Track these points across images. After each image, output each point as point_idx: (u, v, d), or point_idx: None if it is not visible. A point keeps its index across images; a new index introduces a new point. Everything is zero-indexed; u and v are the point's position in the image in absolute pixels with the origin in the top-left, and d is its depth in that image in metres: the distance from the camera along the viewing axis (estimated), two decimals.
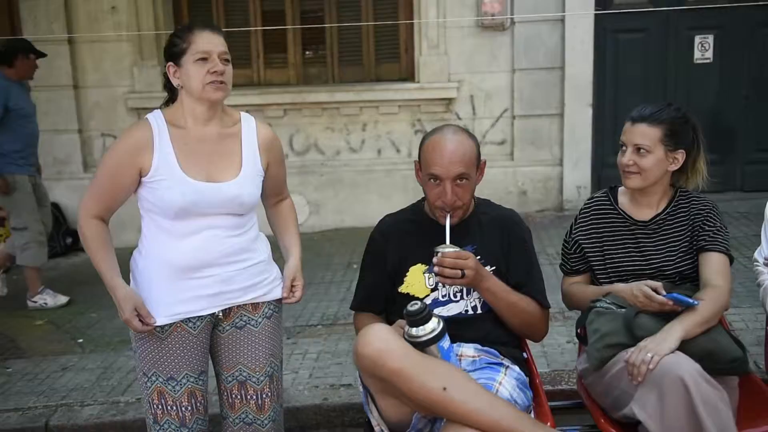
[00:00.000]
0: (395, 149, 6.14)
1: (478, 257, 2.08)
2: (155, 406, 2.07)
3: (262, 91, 6.16)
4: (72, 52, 6.02)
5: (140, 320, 1.97)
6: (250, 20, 6.23)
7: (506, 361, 2.07)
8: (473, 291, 2.11)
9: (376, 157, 6.16)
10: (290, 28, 6.18)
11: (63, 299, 4.65)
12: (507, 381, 1.96)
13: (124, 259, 2.09)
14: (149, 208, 2.03)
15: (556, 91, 5.96)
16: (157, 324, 2.00)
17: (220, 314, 2.09)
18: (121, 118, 6.05)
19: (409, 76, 6.18)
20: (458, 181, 2.06)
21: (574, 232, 2.30)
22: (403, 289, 2.16)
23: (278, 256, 2.24)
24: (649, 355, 1.86)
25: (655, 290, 2.00)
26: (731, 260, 2.15)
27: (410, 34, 6.13)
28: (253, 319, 2.13)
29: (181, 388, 2.06)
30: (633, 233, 2.22)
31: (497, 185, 5.95)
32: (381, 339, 1.79)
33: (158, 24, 6.00)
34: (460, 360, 2.04)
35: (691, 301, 1.97)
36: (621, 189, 2.29)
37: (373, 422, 1.94)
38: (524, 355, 2.21)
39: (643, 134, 2.13)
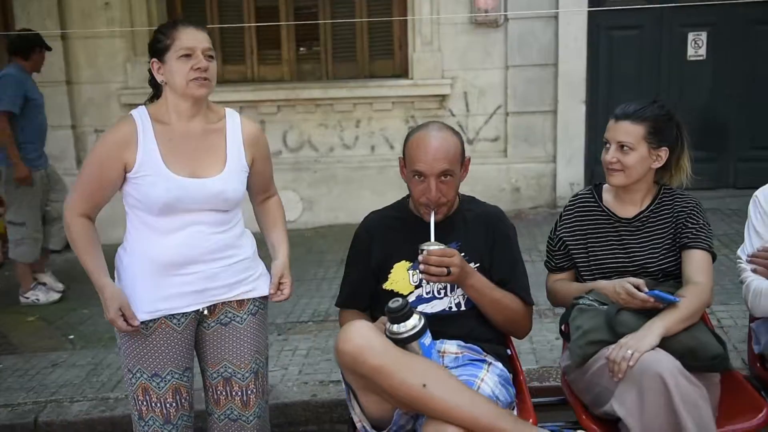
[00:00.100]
0: (389, 146, 6.13)
1: (463, 254, 2.09)
2: (140, 402, 2.08)
3: (255, 88, 6.15)
4: (65, 48, 6.00)
5: (125, 320, 1.97)
6: (244, 16, 6.23)
7: (489, 358, 2.08)
8: (457, 288, 2.12)
9: (370, 153, 6.16)
10: (284, 25, 6.18)
11: (56, 295, 4.65)
12: (489, 378, 1.96)
13: (113, 255, 2.09)
14: (134, 204, 2.04)
15: (550, 88, 5.95)
16: (141, 320, 2.00)
17: (205, 311, 2.09)
18: (114, 114, 6.03)
19: (402, 72, 6.18)
20: (442, 178, 2.06)
21: (558, 229, 2.31)
22: (387, 285, 2.16)
23: (265, 253, 2.25)
24: (630, 352, 1.87)
25: (637, 287, 2.01)
26: (714, 257, 2.15)
27: (404, 31, 6.12)
28: (238, 316, 2.13)
29: (166, 384, 2.06)
30: (617, 230, 2.22)
31: (490, 182, 5.96)
32: (361, 336, 1.80)
33: (152, 20, 5.99)
34: (443, 357, 2.05)
35: (672, 298, 1.97)
36: (605, 186, 2.29)
37: (355, 419, 1.95)
38: (508, 351, 2.22)
39: (627, 131, 2.13)
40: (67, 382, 3.42)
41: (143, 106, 2.10)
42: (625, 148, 2.14)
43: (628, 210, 2.23)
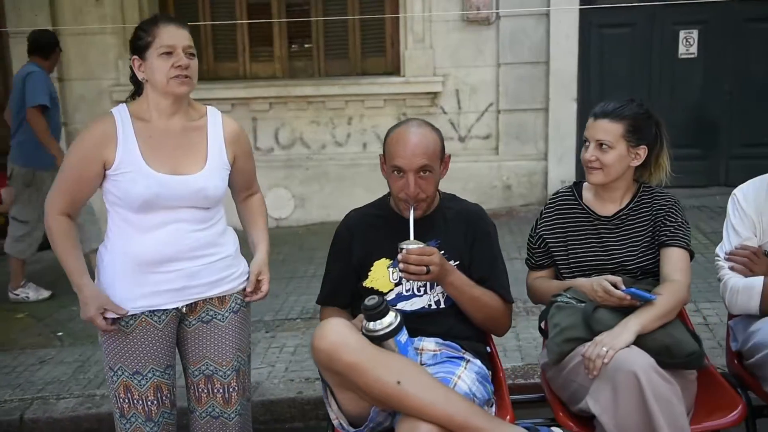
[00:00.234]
0: (380, 143, 6.11)
1: (442, 252, 2.09)
2: (121, 400, 2.08)
3: (247, 85, 6.16)
4: None
5: (104, 318, 1.97)
6: (236, 13, 6.23)
7: (468, 355, 2.08)
8: (437, 285, 2.12)
9: (362, 151, 6.17)
10: (276, 22, 6.18)
11: (45, 293, 4.65)
12: (466, 375, 1.97)
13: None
14: (114, 201, 2.04)
15: (541, 86, 5.97)
16: (121, 315, 2.00)
17: (185, 309, 2.09)
18: (106, 111, 6.01)
19: (394, 70, 6.19)
20: (421, 174, 2.07)
21: (538, 227, 2.32)
22: (367, 283, 2.17)
23: (248, 251, 2.25)
24: (605, 349, 1.88)
25: (615, 285, 2.02)
26: (692, 256, 2.16)
27: (396, 28, 6.13)
28: (219, 314, 2.13)
29: (147, 382, 2.07)
30: (596, 228, 2.23)
31: (482, 179, 5.98)
32: (336, 333, 1.80)
33: (143, 16, 5.96)
34: (421, 354, 2.05)
35: (648, 295, 1.98)
36: (585, 184, 2.30)
37: (332, 416, 1.96)
38: (488, 349, 2.22)
39: (606, 130, 2.14)
40: (53, 379, 3.42)
41: (124, 104, 2.10)
42: (604, 146, 2.15)
43: (607, 208, 2.24)
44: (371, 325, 1.84)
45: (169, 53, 1.99)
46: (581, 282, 2.13)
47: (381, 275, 2.16)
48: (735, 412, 1.99)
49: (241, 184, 2.24)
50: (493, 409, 2.05)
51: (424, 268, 1.97)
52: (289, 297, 4.31)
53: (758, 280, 2.15)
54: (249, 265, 2.21)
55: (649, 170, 2.25)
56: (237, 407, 2.17)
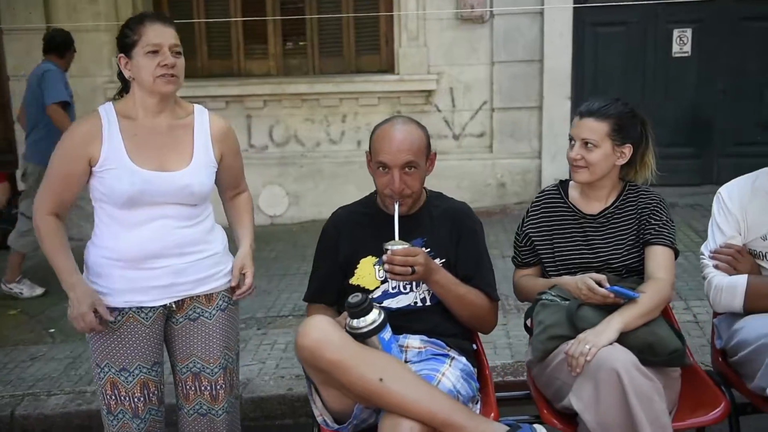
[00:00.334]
0: None
1: (428, 250, 2.10)
2: (108, 396, 2.09)
3: (241, 82, 6.16)
4: None
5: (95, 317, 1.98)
6: (231, 10, 6.22)
7: (453, 353, 2.09)
8: (422, 283, 2.13)
9: (356, 148, 6.17)
10: (270, 19, 6.18)
11: (39, 290, 4.65)
12: (451, 372, 1.98)
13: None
14: (100, 197, 2.05)
15: (535, 84, 5.98)
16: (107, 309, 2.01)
17: (173, 306, 2.10)
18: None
19: (389, 67, 6.19)
20: (407, 170, 2.08)
21: (525, 225, 2.33)
22: (353, 281, 2.17)
23: (236, 249, 2.24)
24: (587, 346, 1.89)
25: (599, 283, 2.03)
26: (677, 254, 2.17)
27: (390, 26, 6.13)
28: (206, 311, 2.14)
29: (134, 379, 2.07)
30: (582, 226, 2.24)
31: (476, 177, 5.98)
32: (320, 330, 1.81)
33: (137, 13, 5.98)
34: (406, 351, 2.06)
35: (632, 293, 1.99)
36: (572, 183, 2.31)
37: (316, 413, 1.97)
38: (474, 346, 2.23)
39: (591, 129, 2.15)
40: (45, 376, 3.43)
41: (110, 102, 2.11)
42: (589, 145, 2.16)
43: (593, 206, 2.25)
44: (355, 322, 1.85)
45: (155, 52, 1.99)
46: (566, 280, 2.14)
47: (367, 273, 2.17)
48: (718, 409, 2.00)
49: (229, 182, 2.25)
50: (479, 406, 2.06)
51: (410, 269, 1.98)
52: (281, 294, 4.32)
53: (742, 279, 2.16)
54: None
55: (634, 169, 2.26)
56: (224, 404, 2.18)
